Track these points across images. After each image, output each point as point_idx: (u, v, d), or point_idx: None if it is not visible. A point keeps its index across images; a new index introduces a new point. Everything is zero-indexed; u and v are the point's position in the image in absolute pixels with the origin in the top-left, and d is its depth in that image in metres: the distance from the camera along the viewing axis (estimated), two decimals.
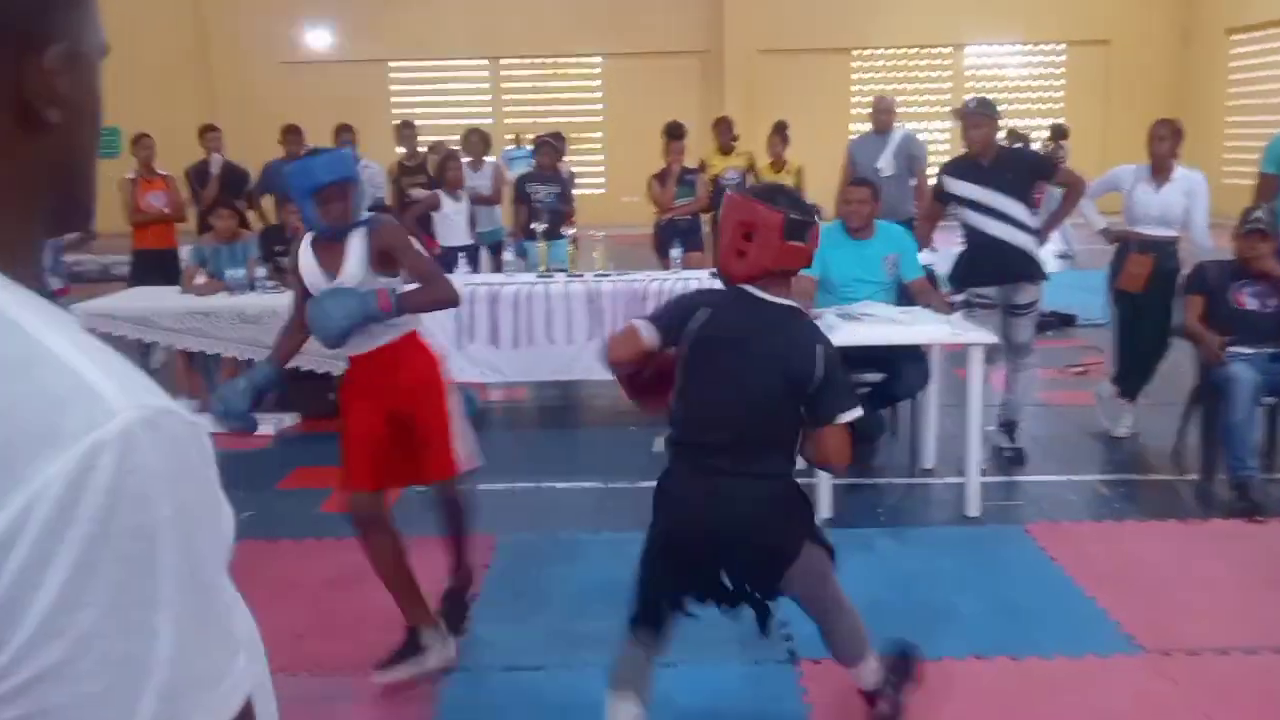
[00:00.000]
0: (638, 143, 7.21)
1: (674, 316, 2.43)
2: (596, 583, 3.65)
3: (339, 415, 3.12)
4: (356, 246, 2.92)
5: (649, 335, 2.39)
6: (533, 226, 6.33)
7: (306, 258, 3.01)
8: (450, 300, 3.02)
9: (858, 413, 2.35)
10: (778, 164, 7.65)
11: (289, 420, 5.78)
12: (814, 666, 3.05)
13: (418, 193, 7.27)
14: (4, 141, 0.56)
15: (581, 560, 3.88)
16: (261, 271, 5.79)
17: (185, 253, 6.51)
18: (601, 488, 4.68)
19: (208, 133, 7.52)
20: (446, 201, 6.68)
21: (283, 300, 5.40)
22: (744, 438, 2.34)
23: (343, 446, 3.03)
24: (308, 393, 5.65)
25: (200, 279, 5.79)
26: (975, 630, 3.31)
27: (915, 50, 15.99)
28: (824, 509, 4.18)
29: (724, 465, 2.35)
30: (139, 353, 5.99)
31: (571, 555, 3.88)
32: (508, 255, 6.65)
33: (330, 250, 2.96)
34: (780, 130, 7.64)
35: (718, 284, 2.56)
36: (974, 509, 4.23)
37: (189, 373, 5.93)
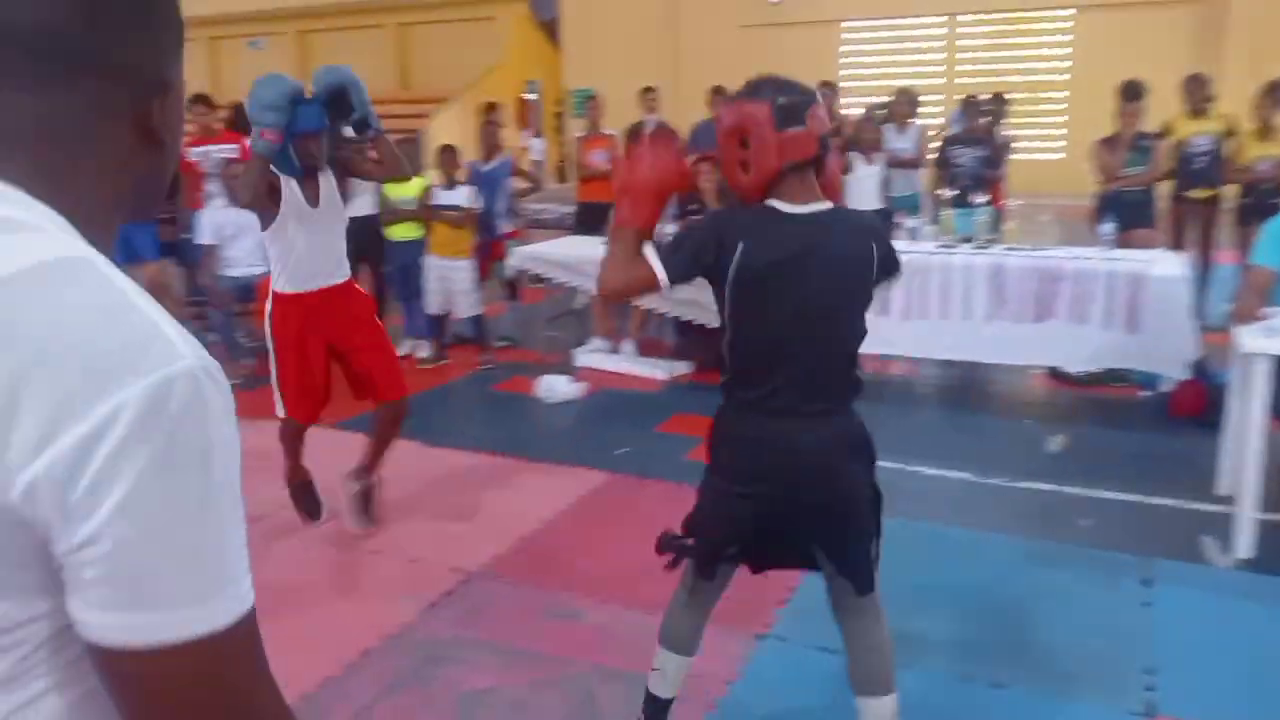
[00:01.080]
0: (1106, 104, 6.43)
1: (694, 259, 2.07)
2: (941, 583, 3.40)
3: (277, 348, 3.73)
4: None
5: (661, 278, 2.07)
6: (940, 193, 5.94)
7: None
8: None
9: None
10: (1265, 131, 6.41)
11: (682, 368, 6.06)
12: None
13: None
14: (130, 157, 0.76)
15: (929, 555, 3.62)
16: (672, 228, 6.09)
17: None
18: (973, 481, 4.33)
19: (646, 93, 8.02)
20: (858, 164, 6.51)
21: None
22: (828, 366, 2.11)
23: (289, 378, 3.73)
24: (702, 344, 5.89)
25: None
26: None
27: None
28: (1242, 548, 3.50)
29: (820, 402, 2.10)
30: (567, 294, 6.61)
31: (919, 547, 3.64)
32: (911, 222, 6.32)
33: None
34: (1273, 90, 6.39)
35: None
36: None
37: (605, 316, 6.45)
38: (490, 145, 6.91)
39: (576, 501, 4.19)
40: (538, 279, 6.44)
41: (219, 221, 6.09)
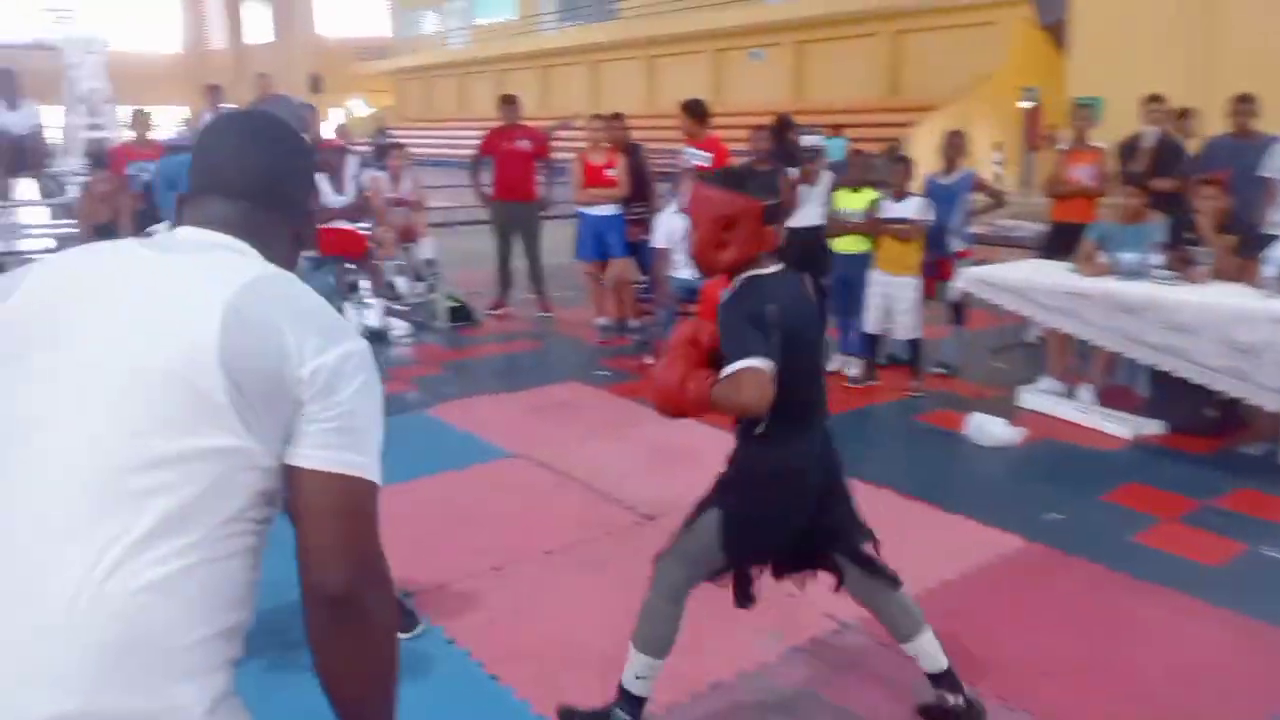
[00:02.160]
0: None
1: (774, 335, 2.20)
2: None
3: None
4: None
5: (767, 367, 2.17)
6: None
7: None
8: None
9: None
10: None
11: (1151, 427, 5.13)
12: None
13: None
14: (287, 246, 1.36)
15: None
16: (1159, 259, 5.15)
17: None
18: None
19: (1150, 102, 6.93)
20: None
21: (1175, 294, 4.77)
22: (824, 391, 2.49)
23: None
24: (1183, 402, 4.93)
25: (1098, 258, 5.42)
26: None
27: None
28: None
29: (822, 424, 2.47)
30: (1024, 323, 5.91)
31: None
32: None
33: None
34: None
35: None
36: None
37: (1061, 353, 5.68)
38: (952, 158, 6.42)
39: (983, 567, 3.67)
40: (989, 304, 5.84)
41: (672, 226, 6.35)
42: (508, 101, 8.32)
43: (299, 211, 1.37)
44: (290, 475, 1.15)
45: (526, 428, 5.36)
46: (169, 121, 9.42)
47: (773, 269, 2.36)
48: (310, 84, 32.75)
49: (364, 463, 1.16)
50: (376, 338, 7.25)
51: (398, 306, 8.12)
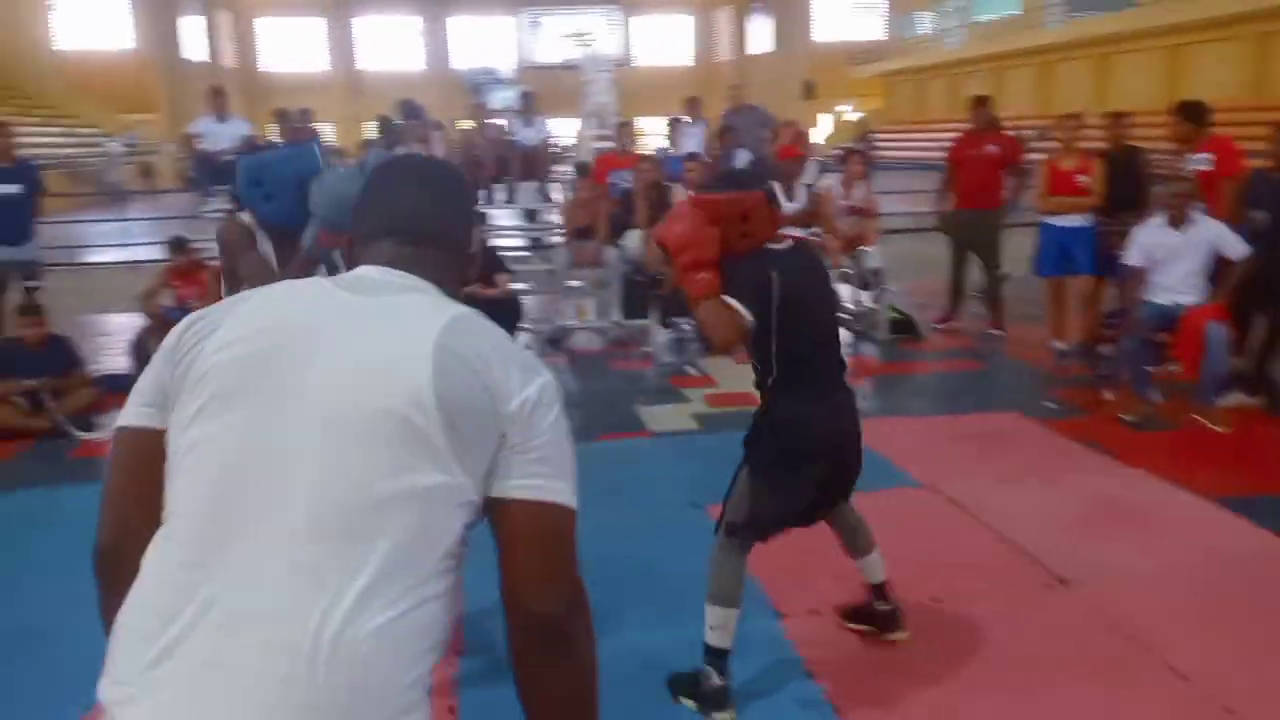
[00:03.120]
0: None
1: (762, 298, 2.64)
2: None
3: None
4: None
5: (747, 319, 2.64)
6: None
7: None
8: None
9: None
10: None
11: None
12: None
13: None
14: (458, 280, 1.38)
15: None
16: None
17: None
18: None
19: None
20: None
21: None
22: (836, 354, 2.85)
23: None
24: None
25: None
26: None
27: None
28: None
29: (838, 381, 2.83)
30: None
31: None
32: None
33: None
34: None
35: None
36: None
37: None
38: None
39: None
40: None
41: (1150, 243, 5.47)
42: (979, 103, 7.81)
43: (464, 252, 1.41)
44: (497, 507, 1.18)
45: (946, 457, 4.96)
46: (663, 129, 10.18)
47: (783, 245, 2.76)
48: (803, 90, 33.73)
49: (567, 490, 1.20)
50: None
51: (841, 314, 8.02)
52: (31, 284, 7.13)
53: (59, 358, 5.91)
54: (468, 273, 1.42)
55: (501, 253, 7.69)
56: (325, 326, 1.19)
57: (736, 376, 6.56)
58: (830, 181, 8.02)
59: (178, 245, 6.77)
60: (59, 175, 22.41)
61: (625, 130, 8.98)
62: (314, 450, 1.11)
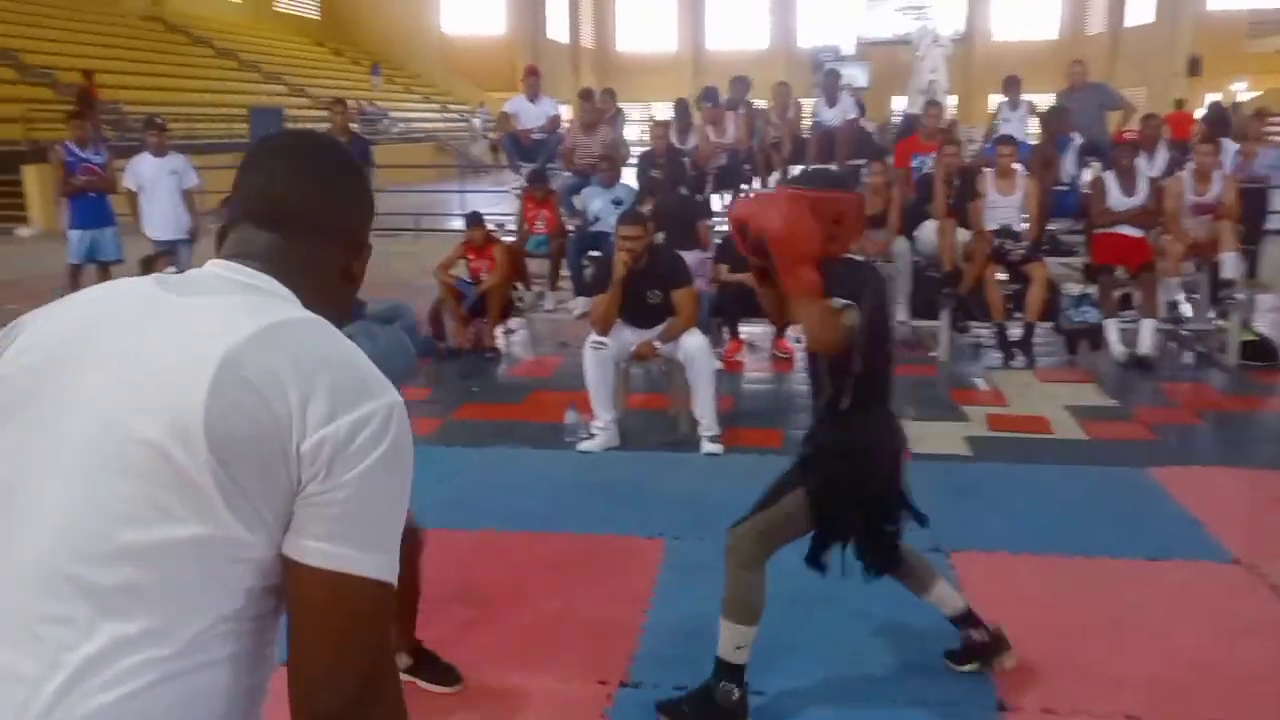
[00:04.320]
0: None
1: (877, 302, 2.55)
2: None
3: None
4: None
5: (855, 323, 2.48)
6: None
7: None
8: None
9: None
10: None
11: None
12: None
13: None
14: (335, 287, 1.15)
15: None
16: None
17: None
18: None
19: None
20: None
21: None
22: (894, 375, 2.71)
23: None
24: None
25: None
26: None
27: None
28: None
29: (890, 403, 2.68)
30: None
31: None
32: None
33: None
34: None
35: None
36: None
37: None
38: None
39: None
40: None
41: None
42: None
43: (346, 239, 1.16)
44: (286, 568, 0.95)
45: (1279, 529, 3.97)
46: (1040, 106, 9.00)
47: (861, 257, 2.84)
48: (1188, 67, 29.76)
49: (368, 560, 0.95)
50: (1142, 366, 6.19)
51: (1181, 332, 6.83)
52: None
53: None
54: (355, 270, 1.17)
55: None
56: (118, 334, 0.99)
57: (1034, 396, 5.76)
58: (1179, 174, 6.80)
59: (474, 220, 7.08)
60: (427, 148, 25.08)
61: (934, 110, 8.21)
62: (60, 481, 0.93)
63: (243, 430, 0.91)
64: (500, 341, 7.13)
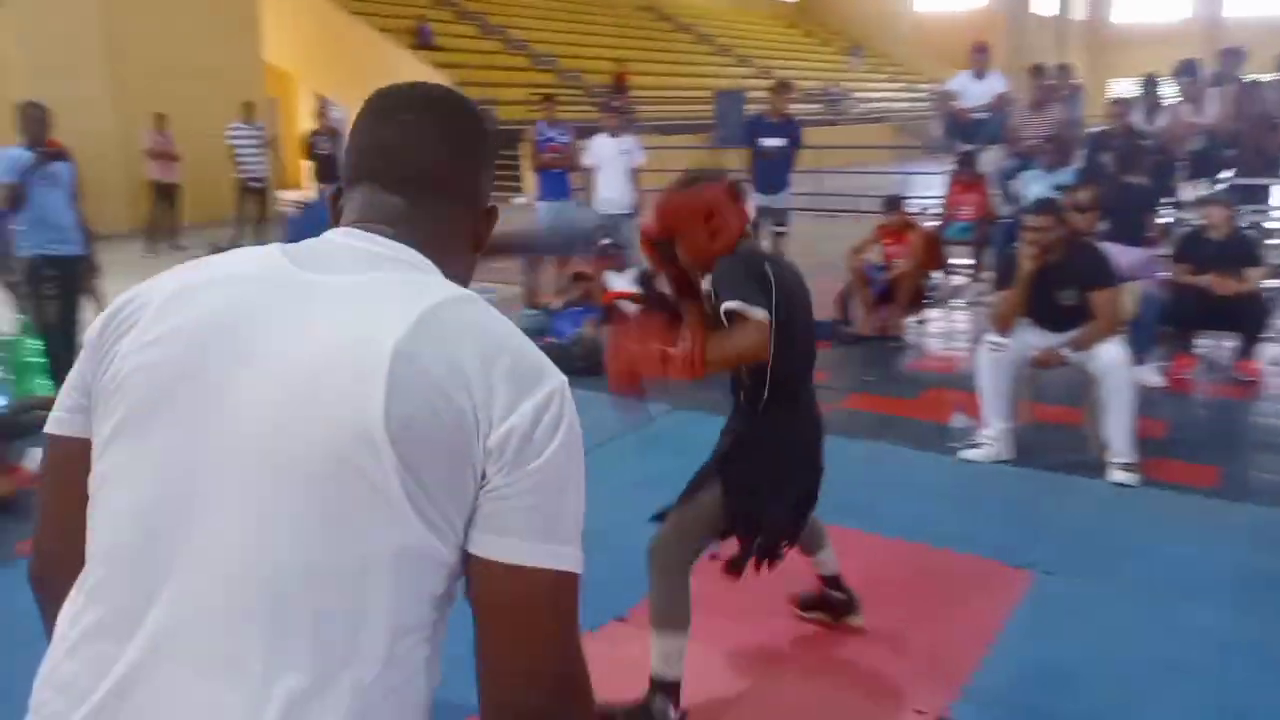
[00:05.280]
0: None
1: (771, 293, 2.37)
2: None
3: None
4: None
5: (764, 317, 2.32)
6: None
7: None
8: None
9: None
10: None
11: None
12: None
13: None
14: (468, 259, 1.09)
15: None
16: None
17: None
18: None
19: None
20: None
21: None
22: (814, 359, 2.65)
23: None
24: None
25: None
26: None
27: None
28: None
29: (812, 393, 2.63)
30: None
31: None
32: None
33: None
34: None
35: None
36: None
37: None
38: None
39: None
40: None
41: None
42: None
43: (474, 206, 1.09)
44: (471, 564, 0.90)
45: None
46: None
47: (759, 245, 2.87)
48: None
49: (562, 552, 0.91)
50: None
51: None
52: (779, 229, 7.93)
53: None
54: (483, 236, 1.10)
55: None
56: (263, 321, 0.91)
57: None
58: None
59: (891, 204, 6.81)
60: (886, 128, 24.55)
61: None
62: (233, 500, 0.87)
63: (429, 431, 0.85)
64: (908, 331, 6.82)
